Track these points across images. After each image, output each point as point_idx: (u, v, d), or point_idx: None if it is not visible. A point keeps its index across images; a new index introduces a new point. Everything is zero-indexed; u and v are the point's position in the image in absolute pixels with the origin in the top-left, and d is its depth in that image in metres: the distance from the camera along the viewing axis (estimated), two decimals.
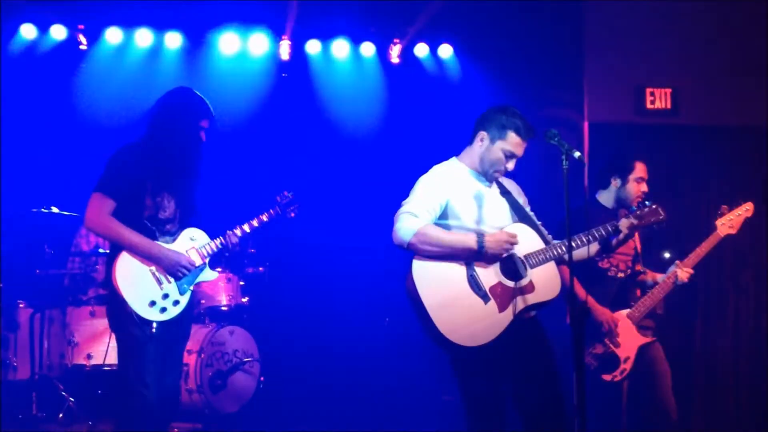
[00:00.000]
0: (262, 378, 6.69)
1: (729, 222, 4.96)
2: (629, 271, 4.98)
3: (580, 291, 4.49)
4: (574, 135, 7.07)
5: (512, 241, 3.97)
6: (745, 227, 4.99)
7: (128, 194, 4.15)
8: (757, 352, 7.15)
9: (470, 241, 3.93)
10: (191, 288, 4.30)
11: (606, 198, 5.10)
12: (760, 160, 6.99)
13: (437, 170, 4.17)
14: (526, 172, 4.37)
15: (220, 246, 4.38)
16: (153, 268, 4.18)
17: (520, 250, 4.04)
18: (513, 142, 4.07)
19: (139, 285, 4.14)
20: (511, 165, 4.12)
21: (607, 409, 4.86)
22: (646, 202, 4.31)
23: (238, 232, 4.45)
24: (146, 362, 4.10)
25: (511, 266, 4.03)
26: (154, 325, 4.13)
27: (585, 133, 7.22)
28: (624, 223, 4.20)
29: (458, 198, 4.06)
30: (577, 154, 3.76)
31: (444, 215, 4.04)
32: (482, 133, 4.12)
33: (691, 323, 7.20)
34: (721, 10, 7.11)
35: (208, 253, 4.35)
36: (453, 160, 4.23)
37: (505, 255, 3.98)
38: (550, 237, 4.24)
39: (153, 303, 4.15)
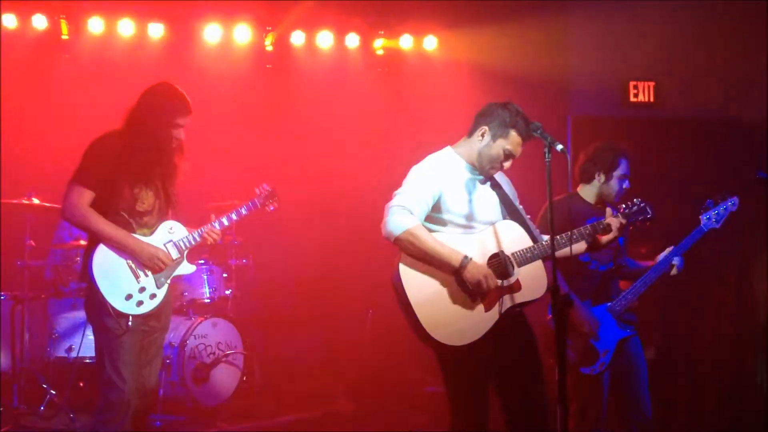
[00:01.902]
0: (245, 370, 6.67)
1: (714, 216, 4.96)
2: (611, 264, 4.99)
3: (562, 284, 4.49)
4: (558, 128, 7.07)
5: (489, 284, 3.90)
6: (728, 219, 5.00)
7: (106, 185, 4.12)
8: (740, 345, 7.20)
9: (454, 261, 3.87)
10: (169, 281, 4.28)
11: (588, 192, 5.08)
12: (742, 152, 7.01)
13: (431, 160, 4.12)
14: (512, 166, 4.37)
15: (198, 239, 4.37)
16: (130, 261, 4.16)
17: (507, 248, 4.02)
18: (514, 141, 4.02)
19: (116, 278, 4.12)
20: (508, 164, 4.08)
21: (588, 403, 4.86)
22: (635, 200, 4.30)
23: (216, 225, 4.43)
24: (122, 355, 4.08)
25: (499, 264, 4.01)
26: (130, 318, 4.11)
27: (568, 126, 7.23)
28: (613, 222, 4.18)
29: (451, 191, 4.02)
30: (560, 146, 3.74)
31: (437, 208, 4.00)
32: (484, 128, 4.06)
33: (673, 317, 7.23)
34: (703, 4, 7.14)
35: (186, 246, 4.33)
36: (448, 149, 4.17)
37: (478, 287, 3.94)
38: (537, 232, 4.22)
39: (129, 296, 4.13)
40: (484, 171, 4.10)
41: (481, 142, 4.06)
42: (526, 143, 4.05)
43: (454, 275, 3.90)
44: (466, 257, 3.88)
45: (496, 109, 4.06)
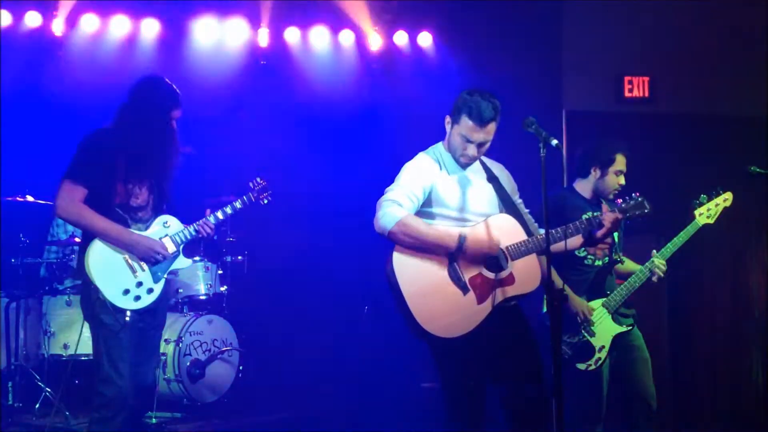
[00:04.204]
0: (240, 367, 6.67)
1: (707, 212, 4.97)
2: (607, 259, 4.99)
3: (557, 279, 4.50)
4: (552, 123, 7.07)
5: (493, 249, 3.94)
6: (723, 212, 5.01)
7: (99, 181, 4.10)
8: (735, 338, 7.21)
9: (451, 241, 3.90)
10: (165, 276, 4.27)
11: (584, 187, 5.09)
12: (737, 147, 7.02)
13: (422, 156, 4.14)
14: (506, 160, 4.37)
15: (194, 233, 4.36)
16: (126, 255, 4.15)
17: (502, 242, 4.02)
18: (466, 125, 3.99)
19: (113, 273, 4.10)
20: (471, 150, 4.04)
21: (587, 397, 4.87)
22: (633, 194, 4.29)
23: (211, 219, 4.43)
24: (120, 351, 4.07)
25: (493, 258, 4.01)
26: (128, 313, 4.10)
27: (563, 120, 7.23)
28: (608, 217, 4.16)
29: (443, 184, 4.03)
30: (554, 141, 3.74)
31: (428, 202, 4.01)
32: (447, 117, 4.10)
33: (668, 309, 7.24)
34: (697, 1, 7.15)
35: (182, 240, 4.32)
36: (439, 145, 4.19)
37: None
38: (535, 225, 4.23)
39: (127, 291, 4.11)
40: (457, 160, 4.10)
41: (448, 132, 4.10)
42: (486, 126, 3.98)
43: (452, 256, 3.91)
44: (461, 234, 3.89)
45: (459, 96, 4.07)
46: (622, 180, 5.00)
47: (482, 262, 3.97)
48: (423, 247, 3.90)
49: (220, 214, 4.47)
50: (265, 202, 4.72)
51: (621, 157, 5.02)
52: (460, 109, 4.01)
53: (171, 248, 4.28)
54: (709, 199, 4.99)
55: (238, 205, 4.58)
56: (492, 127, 4.03)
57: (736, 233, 7.00)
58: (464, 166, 4.13)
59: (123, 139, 4.16)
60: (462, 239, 3.89)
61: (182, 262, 4.38)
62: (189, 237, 4.35)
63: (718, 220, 4.99)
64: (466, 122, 3.99)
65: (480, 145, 4.05)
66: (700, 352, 7.30)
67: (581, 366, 4.82)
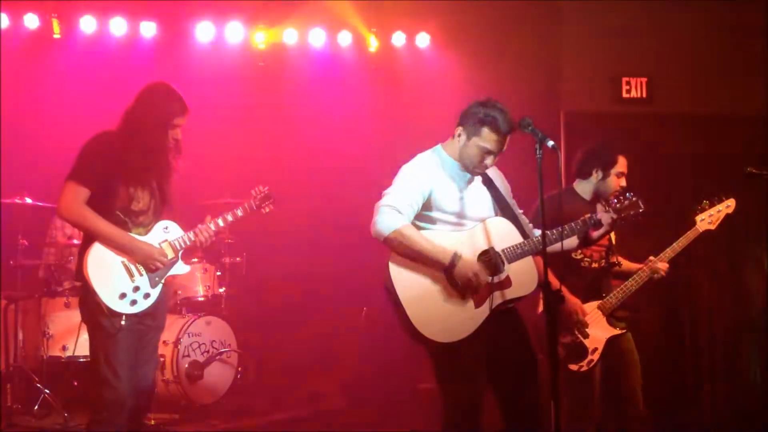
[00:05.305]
0: (239, 368, 6.67)
1: (709, 218, 4.95)
2: (603, 262, 4.98)
3: (553, 280, 4.49)
4: (551, 124, 7.06)
5: (480, 281, 3.91)
6: (724, 221, 5.00)
7: (102, 184, 4.10)
8: (733, 340, 7.21)
9: (443, 259, 3.89)
10: (163, 281, 4.26)
11: (584, 188, 5.06)
12: (735, 148, 7.02)
13: (421, 159, 4.13)
14: (503, 162, 4.37)
15: (193, 239, 4.35)
16: (125, 259, 4.14)
17: (498, 245, 4.03)
18: (489, 138, 4.00)
19: (110, 276, 4.10)
20: (489, 161, 4.06)
21: (580, 399, 4.86)
22: (627, 194, 4.30)
23: (212, 225, 4.41)
24: (117, 354, 4.06)
25: (489, 261, 4.02)
26: (124, 317, 4.09)
27: (561, 121, 7.23)
28: (604, 218, 4.19)
29: (441, 189, 4.03)
30: (550, 143, 3.75)
31: (427, 206, 4.01)
32: (459, 129, 4.07)
33: (665, 312, 7.23)
34: (695, 2, 7.15)
35: (181, 246, 4.31)
36: (438, 148, 4.18)
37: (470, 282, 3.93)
38: (530, 226, 4.23)
39: (123, 295, 4.10)
40: (469, 170, 4.10)
41: (459, 142, 4.08)
42: (507, 137, 4.01)
43: (444, 273, 3.91)
44: (456, 255, 3.89)
45: (472, 108, 4.06)
46: (623, 181, 4.98)
47: (479, 262, 3.97)
48: (415, 258, 3.90)
49: (220, 221, 4.45)
50: (267, 210, 4.68)
51: (622, 159, 5.00)
52: (480, 121, 3.99)
53: (170, 254, 4.27)
54: (711, 205, 4.97)
55: (239, 212, 4.54)
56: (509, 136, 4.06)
57: (734, 234, 6.98)
58: (474, 175, 4.13)
59: (127, 143, 4.16)
60: (455, 260, 3.88)
61: (181, 268, 4.37)
62: (188, 243, 4.34)
63: (719, 226, 4.97)
64: (489, 135, 3.99)
65: (497, 155, 4.07)
66: (699, 354, 7.29)
67: (573, 367, 4.82)
